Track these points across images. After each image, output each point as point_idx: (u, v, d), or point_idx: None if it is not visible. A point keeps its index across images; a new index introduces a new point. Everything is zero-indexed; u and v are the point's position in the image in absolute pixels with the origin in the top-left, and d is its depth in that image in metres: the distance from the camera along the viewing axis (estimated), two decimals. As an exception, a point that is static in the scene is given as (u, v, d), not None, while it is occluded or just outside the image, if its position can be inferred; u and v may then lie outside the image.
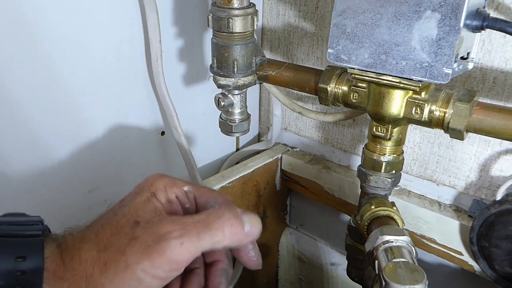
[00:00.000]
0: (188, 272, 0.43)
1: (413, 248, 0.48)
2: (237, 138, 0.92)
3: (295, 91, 0.75)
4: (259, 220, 0.40)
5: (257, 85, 0.72)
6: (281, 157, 0.89)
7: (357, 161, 0.80)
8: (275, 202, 0.94)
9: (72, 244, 0.37)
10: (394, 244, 0.48)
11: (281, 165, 0.90)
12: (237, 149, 0.93)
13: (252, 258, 0.43)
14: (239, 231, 0.38)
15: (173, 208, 0.41)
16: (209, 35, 0.73)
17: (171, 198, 0.41)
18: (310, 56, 0.80)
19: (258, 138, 0.98)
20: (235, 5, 0.50)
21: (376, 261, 0.47)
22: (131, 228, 0.37)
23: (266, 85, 0.71)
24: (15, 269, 0.34)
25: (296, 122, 0.89)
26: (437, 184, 0.70)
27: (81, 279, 0.35)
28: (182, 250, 0.36)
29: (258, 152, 0.92)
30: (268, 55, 0.86)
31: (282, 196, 0.96)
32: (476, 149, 0.64)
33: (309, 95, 0.68)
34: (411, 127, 0.67)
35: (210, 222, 0.37)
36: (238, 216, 0.38)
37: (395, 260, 0.45)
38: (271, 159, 0.87)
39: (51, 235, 0.38)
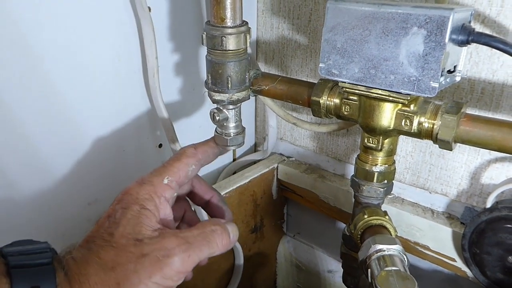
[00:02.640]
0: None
1: (405, 257, 0.50)
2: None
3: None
4: (237, 228, 0.48)
5: (253, 97, 0.73)
6: (277, 166, 0.91)
7: (351, 170, 0.80)
8: (272, 211, 0.95)
9: (77, 270, 0.38)
10: (386, 252, 0.49)
11: (277, 174, 0.91)
12: (234, 159, 0.94)
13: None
14: (228, 242, 0.46)
15: (164, 213, 0.45)
16: (203, 49, 0.74)
17: (159, 203, 0.44)
18: (304, 68, 0.81)
19: (254, 148, 0.99)
20: (228, 24, 0.51)
21: (369, 270, 0.49)
22: (135, 247, 0.40)
23: (261, 97, 0.73)
24: None
25: (291, 132, 0.90)
26: (430, 192, 0.72)
27: None
28: (189, 261, 0.41)
29: (254, 162, 0.93)
30: (263, 67, 0.87)
31: (279, 205, 0.97)
32: (466, 157, 0.65)
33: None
34: (403, 137, 0.68)
35: (207, 236, 0.43)
36: (226, 229, 0.46)
37: (387, 268, 0.47)
38: (267, 169, 0.89)
39: (58, 261, 0.39)
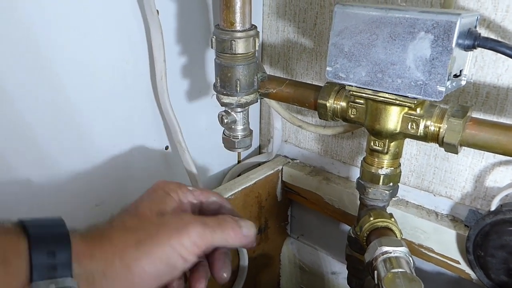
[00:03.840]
0: (195, 265, 0.50)
1: (410, 258, 0.50)
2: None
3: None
4: (253, 224, 0.49)
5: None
6: (282, 168, 0.91)
7: (356, 172, 0.82)
8: (276, 213, 0.96)
9: (99, 232, 0.41)
10: (392, 254, 0.50)
11: (282, 176, 0.92)
12: (239, 162, 0.95)
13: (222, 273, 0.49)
14: (240, 234, 0.47)
15: (184, 207, 0.48)
16: (210, 52, 0.75)
17: (182, 198, 0.48)
18: (309, 71, 0.82)
19: (259, 150, 1.00)
20: (238, 28, 0.52)
21: (376, 271, 0.49)
22: (157, 217, 0.44)
23: (266, 99, 0.73)
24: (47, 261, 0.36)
25: (296, 135, 0.91)
26: (434, 195, 0.72)
27: (114, 256, 0.40)
28: (204, 237, 0.43)
29: (259, 164, 0.94)
30: (268, 70, 0.88)
31: (283, 207, 0.98)
32: (471, 161, 0.66)
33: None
34: (408, 140, 0.69)
35: (221, 222, 0.46)
36: (237, 222, 0.48)
37: (393, 270, 0.47)
38: (272, 171, 0.89)
39: (73, 229, 0.41)
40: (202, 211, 0.51)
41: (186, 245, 0.42)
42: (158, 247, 0.41)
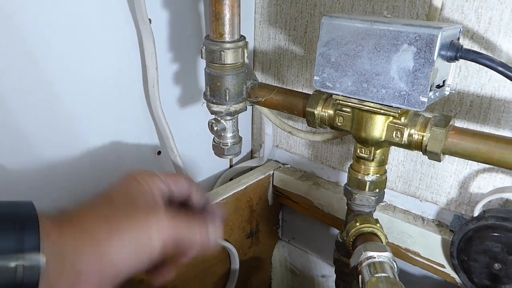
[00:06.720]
0: None
1: (394, 264, 0.52)
2: (230, 157, 0.96)
3: (286, 112, 0.78)
4: (220, 228, 0.50)
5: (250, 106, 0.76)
6: (273, 173, 0.92)
7: (345, 177, 0.82)
8: (267, 216, 0.97)
9: (69, 214, 0.41)
10: (376, 259, 0.51)
11: (273, 181, 0.93)
12: (231, 166, 0.96)
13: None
14: (206, 238, 0.48)
15: (154, 195, 0.48)
16: (202, 60, 0.76)
17: (152, 186, 0.48)
18: (300, 77, 0.83)
19: (250, 155, 1.01)
20: (227, 39, 0.54)
21: (360, 276, 0.51)
22: (127, 203, 0.45)
23: (257, 106, 0.75)
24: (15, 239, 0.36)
25: (287, 140, 0.92)
26: (420, 200, 0.74)
27: (83, 234, 0.40)
28: (169, 226, 0.44)
29: (250, 168, 0.95)
30: (259, 76, 0.89)
31: (274, 211, 0.99)
32: (455, 167, 0.68)
33: (298, 116, 0.71)
34: (394, 146, 0.70)
35: (190, 223, 0.47)
36: (206, 226, 0.48)
37: (377, 275, 0.49)
38: (263, 176, 0.91)
39: (43, 211, 0.40)
40: (173, 198, 0.51)
41: (153, 228, 0.43)
42: (127, 225, 0.42)
